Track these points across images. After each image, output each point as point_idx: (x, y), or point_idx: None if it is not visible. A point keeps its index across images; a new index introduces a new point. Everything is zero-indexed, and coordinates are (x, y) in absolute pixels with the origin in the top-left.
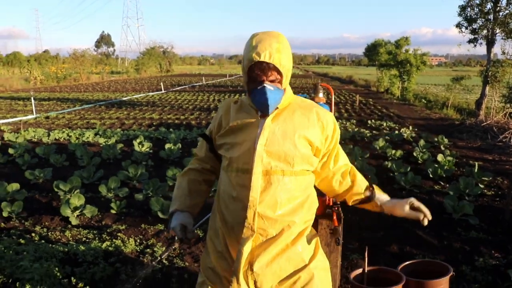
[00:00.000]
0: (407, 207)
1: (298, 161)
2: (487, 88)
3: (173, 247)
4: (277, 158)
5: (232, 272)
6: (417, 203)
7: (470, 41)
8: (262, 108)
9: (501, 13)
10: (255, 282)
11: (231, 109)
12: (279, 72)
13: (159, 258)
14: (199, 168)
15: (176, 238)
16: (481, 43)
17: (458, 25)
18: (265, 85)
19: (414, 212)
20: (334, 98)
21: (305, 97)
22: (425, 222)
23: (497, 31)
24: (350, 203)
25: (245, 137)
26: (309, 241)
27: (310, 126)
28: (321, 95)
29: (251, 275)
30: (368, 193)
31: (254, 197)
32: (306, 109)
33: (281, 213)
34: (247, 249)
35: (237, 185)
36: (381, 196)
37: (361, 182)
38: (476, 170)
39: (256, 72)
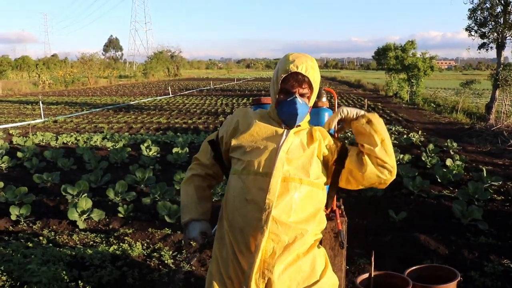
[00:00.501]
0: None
1: (313, 172)
2: (497, 92)
3: (197, 254)
4: (295, 166)
5: (242, 281)
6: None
7: (480, 47)
8: (289, 119)
9: (511, 16)
10: None
11: (251, 115)
12: (311, 87)
13: (190, 264)
14: (202, 173)
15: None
16: (491, 47)
17: (468, 29)
18: (296, 96)
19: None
20: (343, 103)
21: None
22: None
23: (508, 35)
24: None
25: (267, 143)
26: (320, 256)
27: (317, 143)
28: (324, 99)
29: (262, 283)
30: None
31: (271, 200)
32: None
33: (294, 219)
34: (259, 256)
35: (253, 188)
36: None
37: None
38: (485, 175)
39: (291, 82)
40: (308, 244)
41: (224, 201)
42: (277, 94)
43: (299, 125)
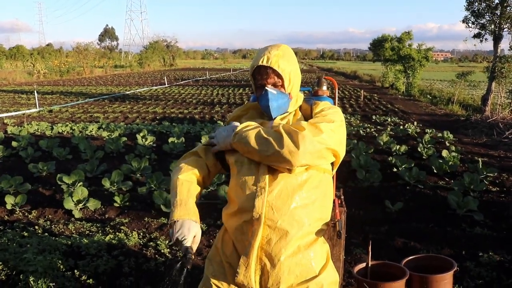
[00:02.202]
0: None
1: None
2: (493, 84)
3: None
4: None
5: (238, 264)
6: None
7: (475, 36)
8: (266, 112)
9: (509, 8)
10: (260, 278)
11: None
12: (278, 76)
13: (187, 268)
14: (200, 178)
15: (180, 248)
16: (486, 39)
17: (465, 20)
18: (267, 88)
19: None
20: (339, 93)
21: (309, 91)
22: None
23: (505, 27)
24: None
25: None
26: (321, 251)
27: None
28: (324, 88)
29: (258, 269)
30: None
31: (262, 186)
32: (306, 109)
33: (291, 205)
34: (257, 241)
35: (247, 177)
36: None
37: None
38: (480, 166)
39: (257, 78)
40: (309, 235)
41: (229, 189)
42: (256, 92)
43: (288, 112)
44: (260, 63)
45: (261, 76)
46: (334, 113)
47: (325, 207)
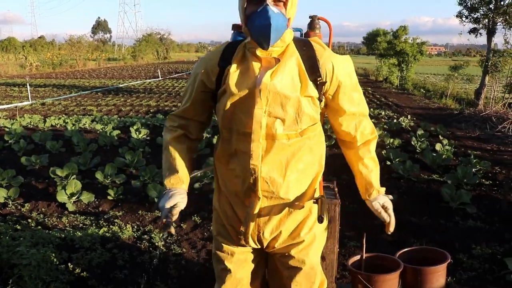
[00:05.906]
0: (377, 204)
1: (304, 121)
2: (487, 78)
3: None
4: (281, 121)
5: (239, 231)
6: (389, 205)
7: (471, 31)
8: (262, 34)
9: (503, 2)
10: (261, 241)
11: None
12: None
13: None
14: (193, 138)
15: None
16: (481, 33)
17: (459, 15)
18: (267, 3)
19: (383, 211)
20: None
21: (299, 31)
22: (389, 230)
23: (498, 21)
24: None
25: (243, 92)
26: (313, 206)
27: (310, 72)
28: (317, 31)
29: (256, 232)
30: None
31: (255, 165)
32: (305, 51)
33: (287, 175)
34: (255, 211)
35: (238, 151)
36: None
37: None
38: (473, 160)
39: None
40: (305, 195)
41: (216, 157)
42: (245, 8)
43: (280, 40)
44: None
45: None
46: (356, 83)
47: (320, 164)
